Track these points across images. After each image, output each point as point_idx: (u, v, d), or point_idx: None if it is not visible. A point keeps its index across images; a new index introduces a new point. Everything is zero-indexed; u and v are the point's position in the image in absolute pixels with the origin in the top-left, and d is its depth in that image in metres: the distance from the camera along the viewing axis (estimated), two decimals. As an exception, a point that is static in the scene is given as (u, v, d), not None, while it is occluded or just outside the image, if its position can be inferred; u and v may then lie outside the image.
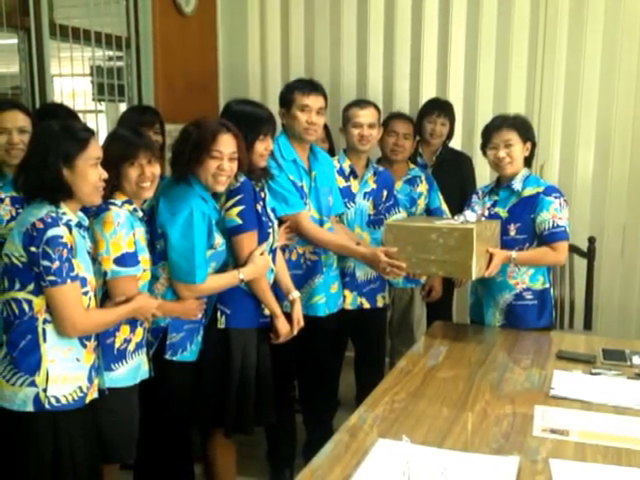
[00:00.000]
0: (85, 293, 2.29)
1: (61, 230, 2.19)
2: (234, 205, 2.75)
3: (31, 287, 2.21)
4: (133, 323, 2.54)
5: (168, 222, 2.64)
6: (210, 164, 2.65)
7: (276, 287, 3.05)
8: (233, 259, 2.83)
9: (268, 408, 2.98)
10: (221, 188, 2.70)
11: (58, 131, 2.25)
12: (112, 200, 2.47)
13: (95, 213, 2.44)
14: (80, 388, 2.30)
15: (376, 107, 3.66)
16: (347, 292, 3.57)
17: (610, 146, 4.61)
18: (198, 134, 2.67)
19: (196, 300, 2.75)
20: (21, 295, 2.22)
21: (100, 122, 4.41)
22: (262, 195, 2.94)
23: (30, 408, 2.22)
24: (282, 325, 2.96)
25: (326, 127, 4.03)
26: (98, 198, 2.34)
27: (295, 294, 3.10)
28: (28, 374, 2.22)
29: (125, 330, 2.51)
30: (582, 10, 4.52)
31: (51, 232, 2.17)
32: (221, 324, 2.83)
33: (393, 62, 4.96)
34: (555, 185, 3.39)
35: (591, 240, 4.13)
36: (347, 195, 3.61)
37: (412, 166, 4.07)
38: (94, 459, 2.40)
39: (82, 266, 2.28)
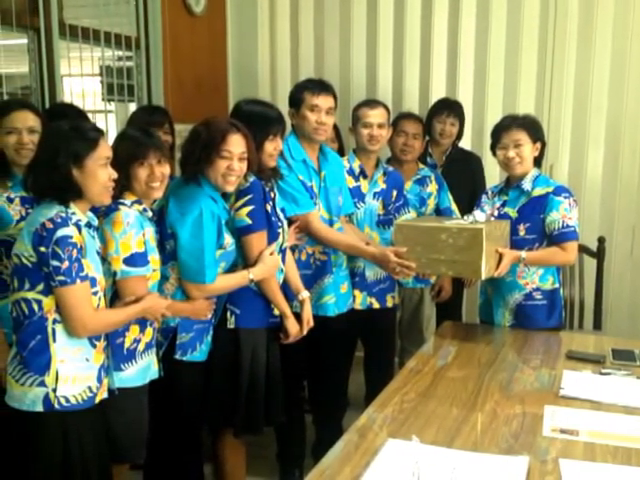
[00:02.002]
0: (95, 293, 2.29)
1: (70, 230, 2.19)
2: (244, 205, 2.75)
3: (41, 287, 2.21)
4: (143, 323, 2.54)
5: (178, 222, 2.64)
6: (220, 164, 2.65)
7: (286, 287, 3.05)
8: (243, 259, 2.83)
9: (278, 408, 2.98)
10: (231, 188, 2.71)
11: (68, 131, 2.25)
12: (121, 200, 2.47)
13: (104, 213, 2.45)
14: (90, 388, 2.31)
15: (386, 107, 3.66)
16: (357, 292, 3.57)
17: (620, 146, 4.60)
18: (207, 134, 2.67)
19: (206, 300, 2.75)
20: (31, 295, 2.22)
21: (110, 122, 4.40)
22: (272, 195, 2.94)
23: (40, 408, 2.22)
24: (292, 325, 2.96)
25: (336, 127, 4.02)
26: (108, 198, 2.34)
27: (305, 294, 3.10)
28: (38, 374, 2.22)
29: (135, 330, 2.52)
30: (592, 10, 4.51)
31: (60, 232, 2.17)
32: (231, 324, 2.83)
33: (403, 62, 4.96)
34: (565, 185, 3.39)
35: (601, 240, 4.12)
36: (357, 195, 3.61)
37: (422, 166, 4.07)
38: (103, 459, 2.40)
39: (92, 266, 2.28)
